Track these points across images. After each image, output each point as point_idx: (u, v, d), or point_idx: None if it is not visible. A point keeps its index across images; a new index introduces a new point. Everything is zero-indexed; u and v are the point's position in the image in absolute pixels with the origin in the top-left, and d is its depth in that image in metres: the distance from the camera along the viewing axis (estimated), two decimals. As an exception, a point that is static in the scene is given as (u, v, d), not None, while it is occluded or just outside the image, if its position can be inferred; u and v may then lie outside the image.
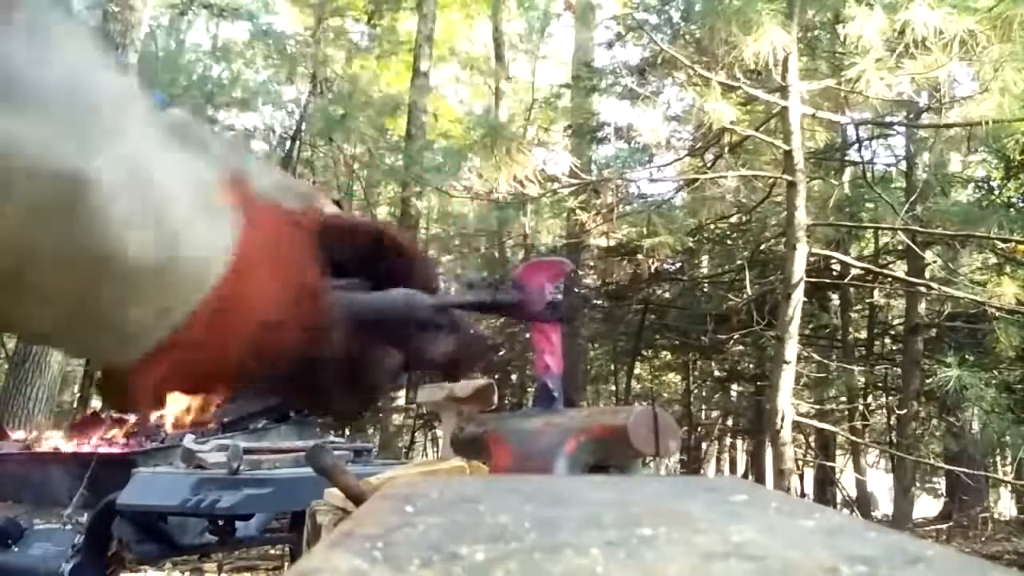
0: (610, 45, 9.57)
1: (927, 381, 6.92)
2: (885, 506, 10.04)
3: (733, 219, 8.47)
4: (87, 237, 0.34)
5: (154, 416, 3.00)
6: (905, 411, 7.19)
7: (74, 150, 0.33)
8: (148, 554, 2.39)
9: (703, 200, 8.06)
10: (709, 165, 7.26)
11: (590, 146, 9.77)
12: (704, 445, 12.13)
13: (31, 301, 0.35)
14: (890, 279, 7.67)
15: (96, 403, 9.98)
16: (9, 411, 6.94)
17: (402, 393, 8.95)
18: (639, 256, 7.75)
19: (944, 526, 7.93)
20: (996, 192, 7.47)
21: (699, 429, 11.44)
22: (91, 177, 0.33)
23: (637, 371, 10.74)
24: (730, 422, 11.80)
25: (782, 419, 4.88)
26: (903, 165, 8.19)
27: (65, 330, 0.37)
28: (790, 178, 5.23)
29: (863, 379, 8.06)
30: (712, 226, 8.60)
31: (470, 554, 0.23)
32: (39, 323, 0.36)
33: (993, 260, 7.39)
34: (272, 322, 0.42)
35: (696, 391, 11.06)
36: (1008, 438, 6.67)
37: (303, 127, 13.25)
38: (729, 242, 9.02)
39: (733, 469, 12.94)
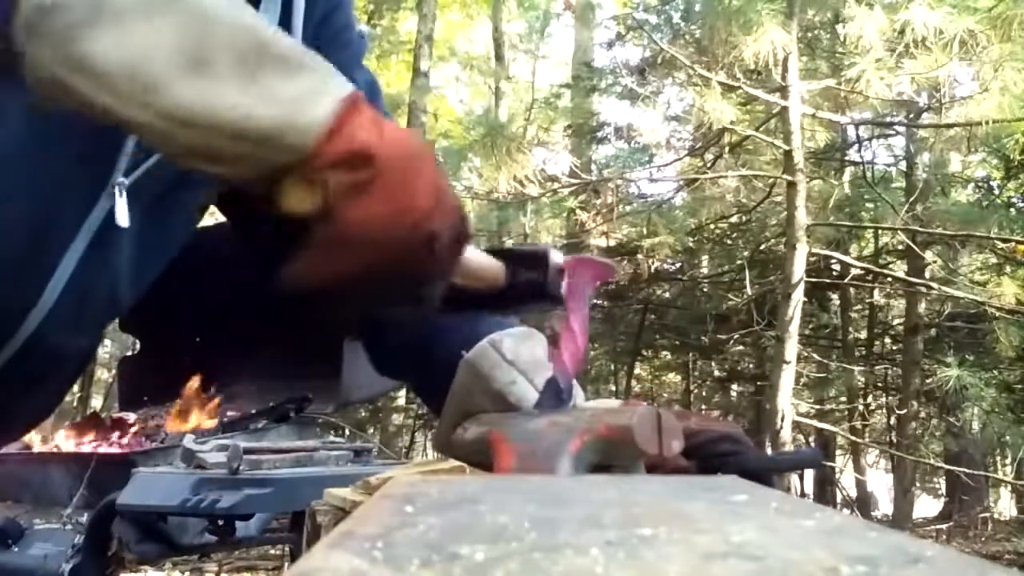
0: (610, 45, 9.56)
1: (927, 381, 6.91)
2: (885, 506, 10.03)
3: (733, 219, 8.45)
4: None
5: (153, 417, 3.00)
6: (905, 411, 7.19)
7: None
8: (148, 554, 2.38)
9: (703, 200, 8.04)
10: (709, 165, 7.26)
11: (590, 146, 9.76)
12: (704, 445, 12.10)
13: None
14: (890, 279, 7.67)
15: (96, 403, 9.98)
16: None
17: (402, 393, 8.94)
18: (639, 256, 7.73)
19: (944, 526, 7.93)
20: (996, 192, 7.46)
21: (699, 429, 11.41)
22: None
23: (637, 371, 10.72)
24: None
25: (782, 419, 4.88)
26: (903, 165, 8.17)
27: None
28: (790, 178, 5.23)
29: (863, 379, 8.05)
30: (712, 226, 8.59)
31: (470, 554, 0.23)
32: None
33: (993, 260, 7.38)
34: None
35: (696, 391, 11.04)
36: (1008, 438, 6.67)
37: (303, 127, 13.19)
38: (729, 242, 9.00)
39: (733, 469, 12.91)
